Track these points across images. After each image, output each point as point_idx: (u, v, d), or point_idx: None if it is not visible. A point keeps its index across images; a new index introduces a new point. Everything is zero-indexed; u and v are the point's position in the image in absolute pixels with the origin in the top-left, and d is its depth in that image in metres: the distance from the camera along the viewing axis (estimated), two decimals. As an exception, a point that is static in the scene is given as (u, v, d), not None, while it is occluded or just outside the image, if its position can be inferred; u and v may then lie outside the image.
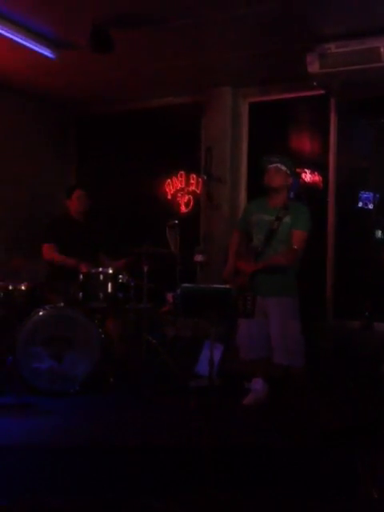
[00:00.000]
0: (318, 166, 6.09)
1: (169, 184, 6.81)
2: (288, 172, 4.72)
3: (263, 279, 4.60)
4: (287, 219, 4.62)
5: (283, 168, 4.69)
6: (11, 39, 4.89)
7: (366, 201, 5.69)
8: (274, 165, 4.69)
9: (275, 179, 4.69)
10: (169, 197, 6.81)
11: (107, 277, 5.37)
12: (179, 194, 6.77)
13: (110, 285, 5.38)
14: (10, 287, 5.25)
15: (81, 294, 5.27)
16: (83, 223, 5.99)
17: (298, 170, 6.09)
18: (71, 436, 3.92)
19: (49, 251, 5.75)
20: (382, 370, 3.41)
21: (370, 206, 5.68)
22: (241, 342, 4.81)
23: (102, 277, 5.36)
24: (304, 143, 6.36)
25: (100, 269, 5.47)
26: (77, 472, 3.41)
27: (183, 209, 6.73)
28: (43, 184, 6.74)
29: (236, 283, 4.57)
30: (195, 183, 6.65)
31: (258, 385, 4.62)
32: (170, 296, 5.82)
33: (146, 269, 5.56)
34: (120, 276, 5.40)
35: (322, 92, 5.57)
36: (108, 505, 2.22)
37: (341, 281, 5.80)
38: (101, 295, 5.34)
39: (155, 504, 2.24)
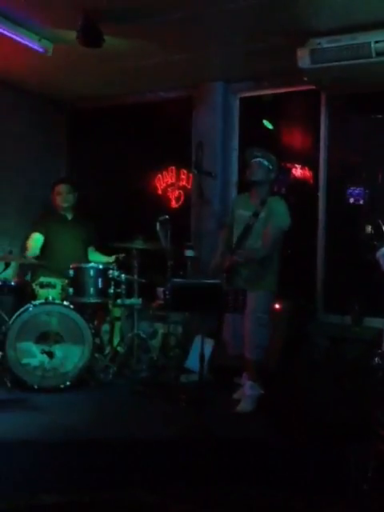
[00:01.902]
0: (309, 162, 6.09)
1: (159, 179, 6.79)
2: (270, 167, 4.75)
3: (239, 273, 4.63)
4: (263, 215, 4.66)
5: (265, 163, 4.72)
6: (1, 33, 4.85)
7: (357, 196, 5.70)
8: (257, 159, 4.72)
9: (256, 173, 4.73)
10: (159, 192, 6.80)
11: (98, 272, 5.37)
12: (169, 189, 6.75)
13: (100, 280, 5.37)
14: (0, 282, 5.25)
15: (71, 289, 5.27)
16: (70, 219, 5.97)
17: (288, 165, 6.12)
18: (62, 431, 3.93)
19: (31, 240, 5.77)
20: (373, 364, 3.43)
21: (361, 202, 5.69)
22: (228, 338, 4.83)
23: (92, 272, 5.36)
24: (294, 138, 6.35)
25: (90, 264, 5.47)
26: (68, 467, 3.42)
27: (173, 204, 6.71)
28: (33, 179, 6.71)
29: (221, 277, 4.59)
30: (186, 178, 6.64)
31: (248, 390, 4.57)
32: (160, 291, 5.82)
33: (136, 264, 5.57)
34: (110, 271, 5.40)
35: (313, 87, 5.56)
36: (101, 500, 2.22)
37: (331, 276, 5.81)
38: (91, 290, 5.34)
39: (148, 498, 2.24)
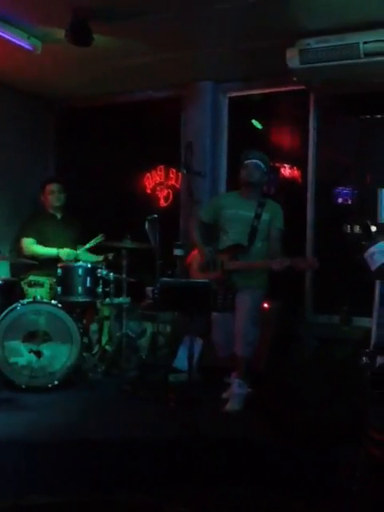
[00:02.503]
0: (297, 162, 6.11)
1: (148, 178, 6.79)
2: (265, 170, 4.81)
3: (241, 274, 4.64)
4: (266, 217, 4.72)
5: (262, 165, 4.78)
6: (-11, 31, 4.84)
7: (345, 196, 5.72)
8: (254, 161, 4.75)
9: (254, 175, 4.75)
10: (148, 191, 6.79)
11: (86, 271, 5.36)
12: (158, 188, 6.75)
13: (88, 279, 5.36)
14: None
15: (59, 288, 5.25)
16: (60, 218, 5.96)
17: (277, 164, 6.13)
18: (50, 431, 3.92)
19: (28, 245, 5.73)
20: (361, 364, 3.44)
21: (349, 202, 5.71)
22: (217, 340, 4.82)
23: (80, 271, 5.35)
24: (283, 138, 6.37)
25: (79, 263, 5.46)
26: (57, 467, 3.40)
27: (162, 203, 6.71)
28: (21, 179, 6.67)
29: (211, 277, 4.58)
30: (175, 177, 6.64)
31: (236, 388, 4.58)
32: (149, 290, 5.82)
33: (125, 263, 5.56)
34: (99, 270, 5.39)
35: (302, 87, 5.58)
36: (89, 501, 2.22)
37: (319, 276, 5.83)
38: (80, 289, 5.33)
39: (138, 499, 2.24)
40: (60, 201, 5.91)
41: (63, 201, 5.93)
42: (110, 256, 5.69)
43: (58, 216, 5.96)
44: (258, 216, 4.70)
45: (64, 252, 5.59)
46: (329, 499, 2.84)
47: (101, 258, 5.75)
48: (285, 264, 4.43)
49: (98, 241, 5.62)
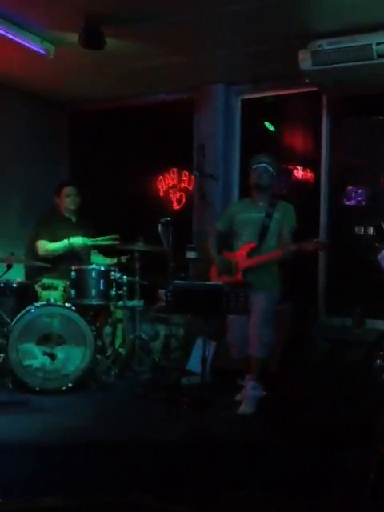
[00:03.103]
0: (310, 163, 6.10)
1: (161, 181, 6.80)
2: (274, 173, 4.88)
3: (255, 273, 4.65)
4: (277, 215, 4.78)
5: (271, 169, 4.85)
6: (2, 35, 4.86)
7: (358, 198, 5.70)
8: (263, 165, 4.83)
9: (263, 178, 4.83)
10: (161, 194, 6.80)
11: (100, 274, 5.38)
12: (171, 191, 6.76)
13: (102, 282, 5.38)
14: (2, 284, 5.26)
15: (73, 291, 5.27)
16: (74, 221, 5.96)
17: (289, 166, 6.12)
18: (64, 433, 3.92)
19: (43, 246, 5.74)
20: (375, 367, 3.42)
21: (362, 203, 5.69)
22: (233, 342, 4.82)
23: (94, 274, 5.36)
24: (296, 140, 6.36)
25: (93, 266, 5.48)
26: (70, 469, 3.41)
27: (175, 206, 6.72)
28: (34, 181, 6.71)
29: (230, 279, 4.62)
30: (187, 180, 6.65)
31: (250, 390, 4.57)
32: (162, 293, 5.83)
33: (138, 266, 5.57)
34: (112, 273, 5.41)
35: (315, 89, 5.57)
36: (102, 503, 2.22)
37: (332, 278, 5.81)
38: (93, 292, 5.35)
39: (150, 501, 2.24)
40: (75, 204, 5.91)
41: (78, 204, 5.93)
42: (124, 259, 5.72)
43: (73, 219, 5.96)
44: (268, 215, 4.77)
45: (76, 240, 5.60)
46: (341, 501, 2.83)
47: (114, 260, 5.77)
48: (291, 249, 4.54)
49: (111, 240, 5.64)
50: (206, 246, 5.13)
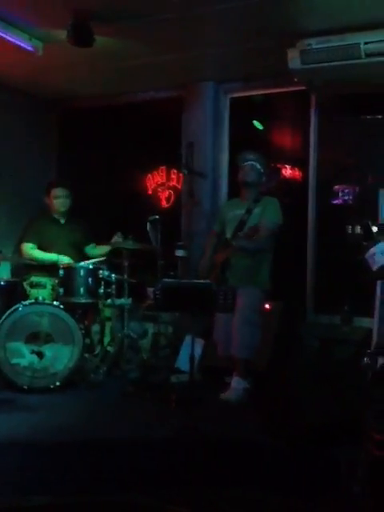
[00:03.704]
0: (298, 162, 6.11)
1: (149, 179, 6.79)
2: (262, 171, 4.92)
3: (233, 270, 4.66)
4: (257, 210, 4.80)
5: (258, 166, 4.89)
6: (-9, 32, 4.84)
7: (346, 197, 5.72)
8: (250, 162, 4.88)
9: (250, 175, 4.89)
10: (149, 192, 6.80)
11: (88, 272, 5.36)
12: (160, 189, 6.76)
13: (90, 280, 5.37)
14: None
15: (61, 289, 5.25)
16: (64, 223, 5.90)
17: (278, 165, 6.13)
18: (52, 432, 3.91)
19: (27, 250, 5.71)
20: (363, 364, 3.44)
21: (350, 202, 5.72)
22: (218, 339, 4.85)
23: (82, 272, 5.35)
24: (284, 138, 6.37)
25: (81, 264, 5.46)
26: (59, 468, 3.40)
27: (164, 204, 6.72)
28: (23, 179, 6.68)
29: (212, 278, 4.63)
30: (176, 178, 6.64)
31: (234, 383, 4.65)
32: (150, 291, 5.82)
33: (126, 264, 5.56)
34: (100, 271, 5.39)
35: (303, 88, 5.58)
36: (91, 501, 2.22)
37: (321, 276, 5.83)
38: (81, 290, 5.33)
39: (139, 500, 2.24)
40: (65, 206, 5.83)
41: (68, 205, 5.85)
42: (118, 236, 5.60)
43: (62, 221, 5.90)
44: (249, 210, 4.80)
45: (64, 258, 5.55)
46: (330, 500, 2.84)
47: (106, 248, 5.73)
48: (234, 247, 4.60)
49: (103, 257, 5.63)
50: (204, 247, 5.25)
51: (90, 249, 5.99)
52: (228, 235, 4.87)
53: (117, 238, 5.62)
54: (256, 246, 4.66)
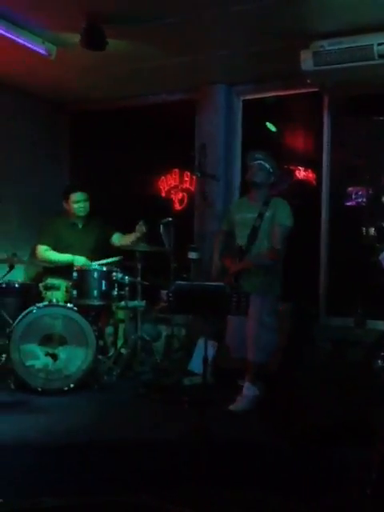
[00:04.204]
0: (312, 164, 6.09)
1: (163, 181, 6.81)
2: (271, 170, 4.83)
3: (247, 278, 4.64)
4: (268, 214, 4.72)
5: (266, 166, 4.80)
6: (4, 36, 4.86)
7: (360, 198, 5.70)
8: (258, 162, 4.80)
9: (258, 175, 4.81)
10: (163, 194, 6.81)
11: (101, 274, 5.37)
12: (173, 192, 6.77)
13: (104, 282, 5.37)
14: (4, 285, 5.26)
15: (75, 291, 5.27)
16: (81, 227, 5.86)
17: (291, 167, 6.12)
18: (65, 434, 3.93)
19: (42, 252, 5.71)
20: (376, 367, 3.42)
21: (364, 204, 5.69)
22: (230, 341, 4.84)
23: (96, 274, 5.36)
24: (297, 140, 6.36)
25: (95, 266, 5.46)
26: (72, 470, 3.42)
27: (177, 206, 6.73)
28: (36, 182, 6.72)
29: (223, 282, 4.60)
30: (189, 181, 6.65)
31: (245, 390, 4.61)
32: (164, 293, 5.82)
33: (140, 266, 5.57)
34: (114, 273, 5.40)
35: (316, 89, 5.57)
36: (104, 503, 2.23)
37: (334, 278, 5.81)
38: (95, 293, 5.34)
39: (151, 502, 2.24)
40: (85, 211, 5.77)
41: (87, 210, 5.80)
42: (140, 224, 5.57)
43: (79, 224, 5.84)
44: (260, 215, 4.72)
45: (79, 260, 5.55)
46: (341, 502, 2.83)
47: (136, 235, 5.66)
48: (254, 263, 4.55)
49: (115, 260, 5.61)
50: (213, 247, 5.17)
51: (117, 238, 5.93)
52: (240, 242, 4.77)
53: (139, 227, 5.58)
54: (274, 259, 4.63)
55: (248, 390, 4.58)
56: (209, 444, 3.31)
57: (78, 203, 5.73)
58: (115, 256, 5.71)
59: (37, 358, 4.93)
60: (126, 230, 5.93)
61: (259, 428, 4.03)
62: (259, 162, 4.79)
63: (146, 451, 3.63)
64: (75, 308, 5.09)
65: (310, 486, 3.17)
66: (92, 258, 5.66)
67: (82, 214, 5.77)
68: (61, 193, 5.90)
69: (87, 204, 5.79)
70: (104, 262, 5.59)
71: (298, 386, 4.12)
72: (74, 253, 5.63)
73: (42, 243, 5.72)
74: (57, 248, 5.70)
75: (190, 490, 3.08)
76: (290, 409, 3.85)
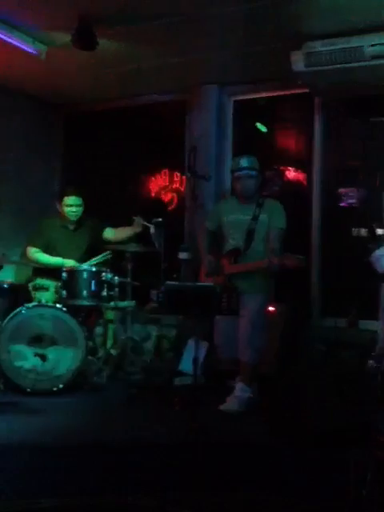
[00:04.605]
0: (302, 165, 6.10)
1: (152, 182, 6.79)
2: (258, 175, 4.82)
3: (242, 277, 4.63)
4: (263, 217, 4.72)
5: (254, 173, 4.79)
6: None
7: (351, 199, 5.71)
8: (245, 171, 4.76)
9: (249, 186, 4.79)
10: (152, 195, 6.79)
11: (91, 274, 5.35)
12: (163, 192, 6.75)
13: (93, 282, 5.35)
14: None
15: (64, 291, 5.23)
16: (72, 230, 5.82)
17: (282, 168, 6.13)
18: (55, 435, 3.91)
19: (32, 254, 5.66)
20: (368, 367, 3.43)
21: (355, 205, 5.70)
22: (219, 341, 4.83)
23: (85, 275, 5.33)
24: (288, 141, 6.36)
25: (84, 266, 5.44)
26: (62, 471, 3.38)
27: (167, 206, 6.71)
28: (28, 182, 6.69)
29: (215, 282, 4.60)
30: (179, 181, 6.64)
31: (238, 391, 4.60)
32: (154, 294, 5.80)
33: (130, 266, 5.55)
34: (103, 274, 5.38)
35: (307, 90, 5.57)
36: (94, 504, 2.21)
37: (326, 279, 5.82)
38: (84, 293, 5.32)
39: (143, 502, 2.23)
40: (77, 215, 5.71)
41: (79, 215, 5.74)
42: (137, 219, 5.56)
43: (71, 227, 5.80)
44: (255, 217, 4.72)
45: (68, 262, 5.52)
46: (337, 503, 2.82)
47: (134, 229, 5.66)
48: (275, 263, 4.40)
49: (104, 257, 5.58)
50: (198, 244, 5.14)
51: (110, 232, 5.89)
52: (234, 243, 4.76)
53: (137, 222, 5.58)
54: (273, 265, 4.51)
55: (242, 391, 4.56)
56: (202, 445, 3.29)
57: (70, 207, 5.67)
58: (103, 253, 5.65)
59: (26, 358, 4.90)
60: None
61: (253, 430, 4.02)
62: (246, 171, 4.75)
63: (138, 452, 3.61)
64: (64, 308, 5.07)
65: (307, 487, 3.16)
66: (82, 262, 5.62)
67: (73, 218, 5.73)
68: (56, 194, 5.88)
69: (80, 209, 5.72)
70: (93, 261, 5.56)
71: (292, 387, 4.11)
72: (64, 255, 5.59)
73: (33, 245, 5.68)
74: (47, 250, 5.66)
75: (186, 492, 3.06)
76: (285, 410, 3.84)
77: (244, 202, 4.84)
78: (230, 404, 4.51)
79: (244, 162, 4.78)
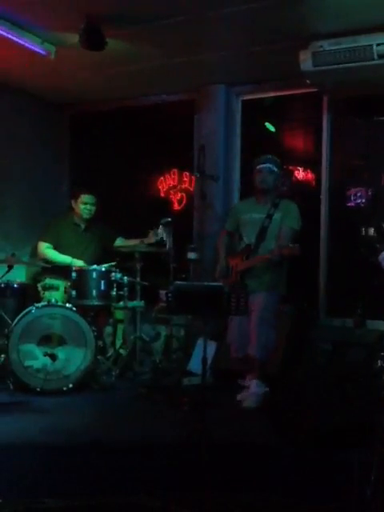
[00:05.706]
0: (311, 164, 6.09)
1: (162, 182, 6.80)
2: (278, 173, 4.88)
3: (254, 275, 4.65)
4: (277, 216, 4.76)
5: (275, 169, 4.85)
6: (2, 36, 4.86)
7: (359, 199, 5.70)
8: (267, 165, 4.83)
9: (267, 180, 4.82)
10: (162, 194, 6.80)
11: (100, 274, 5.37)
12: (172, 192, 6.76)
13: (102, 282, 5.37)
14: (3, 285, 5.26)
15: (74, 291, 5.26)
16: (83, 229, 5.87)
17: (290, 167, 6.12)
18: (65, 434, 3.92)
19: (43, 249, 5.73)
20: (376, 367, 3.42)
21: (363, 204, 5.69)
22: (231, 340, 4.85)
23: (94, 274, 5.36)
24: (297, 141, 6.36)
25: (94, 266, 5.46)
26: (71, 470, 3.41)
27: (176, 206, 6.72)
28: (35, 183, 6.71)
29: (228, 281, 4.62)
30: (188, 181, 6.64)
31: (254, 387, 4.62)
32: (163, 294, 5.82)
33: (139, 266, 5.56)
34: (113, 274, 5.40)
35: (315, 90, 5.56)
36: (103, 504, 2.22)
37: (333, 279, 5.81)
38: (94, 293, 5.34)
39: (150, 503, 2.24)
40: (90, 213, 5.84)
41: (93, 214, 5.86)
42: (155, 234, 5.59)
43: (82, 226, 5.88)
44: (269, 216, 4.76)
45: (77, 262, 5.56)
46: (343, 502, 2.83)
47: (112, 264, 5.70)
48: (276, 253, 4.48)
49: (111, 265, 5.60)
50: (216, 247, 5.19)
51: (119, 242, 5.97)
52: (247, 240, 4.81)
53: (155, 232, 5.60)
54: (275, 257, 4.57)
55: (257, 386, 4.59)
56: (210, 445, 3.30)
57: (85, 205, 5.81)
58: (110, 262, 5.68)
59: (35, 358, 4.92)
60: (125, 230, 5.93)
61: (261, 430, 4.02)
62: (268, 165, 4.82)
63: (146, 452, 3.62)
64: (74, 308, 5.09)
65: (312, 487, 3.17)
66: (91, 261, 5.65)
67: (87, 216, 5.83)
68: (64, 194, 5.92)
69: (94, 208, 5.86)
70: (102, 267, 5.59)
71: (298, 387, 4.11)
72: (73, 254, 5.65)
73: (44, 240, 5.77)
74: (57, 247, 5.73)
75: (192, 492, 3.07)
76: (291, 410, 3.84)
77: (261, 199, 4.88)
78: (249, 401, 4.54)
79: (267, 158, 4.87)
